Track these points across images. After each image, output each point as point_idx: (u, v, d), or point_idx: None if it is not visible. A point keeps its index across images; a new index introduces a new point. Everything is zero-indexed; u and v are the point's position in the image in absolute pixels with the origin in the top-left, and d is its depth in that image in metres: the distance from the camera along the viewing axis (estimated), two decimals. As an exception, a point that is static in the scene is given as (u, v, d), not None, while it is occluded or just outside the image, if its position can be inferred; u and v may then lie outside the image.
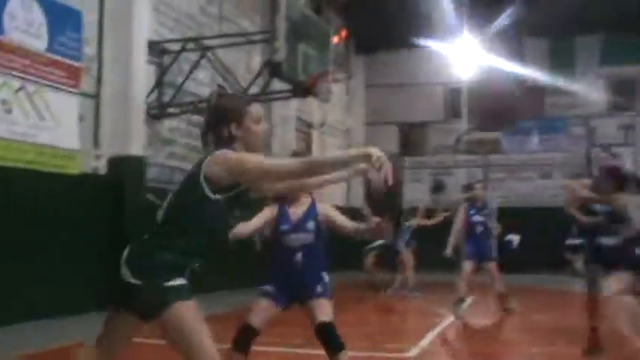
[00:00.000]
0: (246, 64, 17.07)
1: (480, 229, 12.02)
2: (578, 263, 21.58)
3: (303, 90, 13.76)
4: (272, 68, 13.02)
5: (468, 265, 11.78)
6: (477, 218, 12.06)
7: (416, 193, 25.33)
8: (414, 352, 8.77)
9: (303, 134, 21.20)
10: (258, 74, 14.46)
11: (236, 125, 4.02)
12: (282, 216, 5.94)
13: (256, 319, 5.72)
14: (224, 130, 4.02)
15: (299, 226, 5.85)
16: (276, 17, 13.47)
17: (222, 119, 4.02)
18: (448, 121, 26.45)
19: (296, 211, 5.96)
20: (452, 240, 12.18)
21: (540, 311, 12.79)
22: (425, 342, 9.48)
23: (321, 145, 22.73)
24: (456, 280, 11.89)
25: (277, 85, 14.75)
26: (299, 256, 5.82)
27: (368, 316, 12.69)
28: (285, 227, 5.84)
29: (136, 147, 12.44)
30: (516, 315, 12.17)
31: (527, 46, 25.30)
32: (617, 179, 7.62)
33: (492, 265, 11.93)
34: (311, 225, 5.88)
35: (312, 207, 5.97)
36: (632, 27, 23.55)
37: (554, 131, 25.35)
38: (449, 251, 12.14)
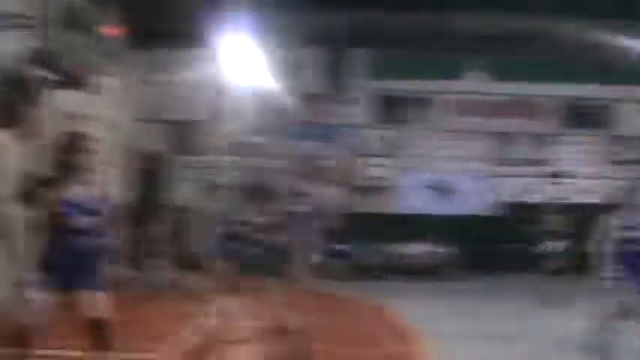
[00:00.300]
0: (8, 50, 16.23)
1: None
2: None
3: (70, 81, 13.28)
4: (37, 56, 12.44)
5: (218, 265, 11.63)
6: None
7: (185, 192, 25.24)
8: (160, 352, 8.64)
9: (70, 127, 20.44)
10: (23, 61, 13.76)
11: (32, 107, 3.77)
12: (65, 196, 5.53)
13: (32, 315, 5.33)
14: (20, 110, 3.74)
15: (84, 208, 5.42)
16: (44, 2, 12.92)
17: (19, 98, 3.75)
18: (220, 122, 26.42)
19: (83, 192, 5.64)
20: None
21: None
22: (172, 342, 9.35)
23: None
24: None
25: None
26: (82, 240, 5.41)
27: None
28: (68, 208, 5.42)
29: None
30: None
31: (302, 55, 25.74)
32: None
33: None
34: (97, 208, 5.47)
35: (101, 190, 5.65)
36: (400, 44, 24.62)
37: (323, 139, 25.99)
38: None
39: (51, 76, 13.41)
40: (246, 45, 23.40)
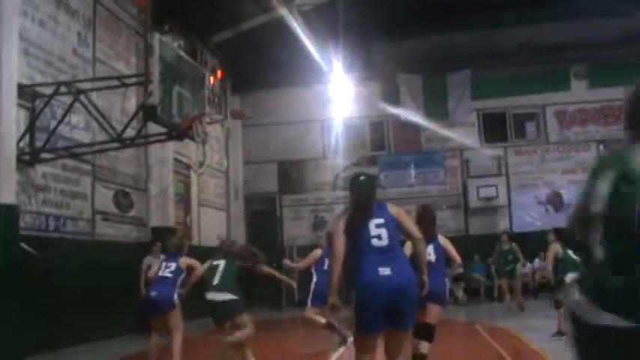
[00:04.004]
0: (121, 107, 16.78)
1: None
2: (460, 292, 22.20)
3: (178, 133, 13.63)
4: (146, 111, 12.81)
5: None
6: None
7: (296, 231, 25.51)
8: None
9: (182, 176, 20.98)
10: (133, 117, 14.22)
11: None
12: None
13: None
14: None
15: None
16: (149, 60, 13.30)
17: None
18: (326, 157, 26.68)
19: None
20: None
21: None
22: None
23: (200, 187, 22.55)
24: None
25: (153, 127, 14.52)
26: None
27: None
28: None
29: (7, 194, 11.96)
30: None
31: (401, 83, 25.81)
32: None
33: None
34: None
35: None
36: (496, 62, 24.60)
37: (431, 164, 25.93)
38: None
39: (162, 128, 13.84)
40: (348, 79, 23.70)
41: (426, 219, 8.58)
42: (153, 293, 10.31)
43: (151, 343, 10.35)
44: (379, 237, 6.03)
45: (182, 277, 10.46)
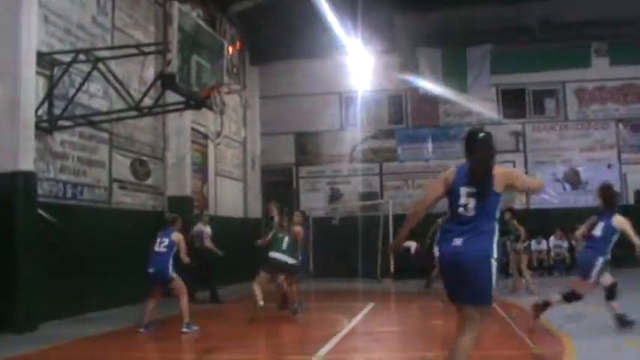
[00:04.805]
0: (139, 75, 16.77)
1: None
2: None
3: (196, 102, 13.63)
4: (165, 80, 12.81)
5: None
6: None
7: (313, 202, 25.54)
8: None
9: (199, 145, 21.01)
10: (151, 86, 14.22)
11: None
12: None
13: None
14: None
15: None
16: (168, 28, 13.27)
17: None
18: (344, 130, 26.64)
19: None
20: None
21: (438, 317, 12.94)
22: (325, 350, 9.43)
23: (218, 157, 22.58)
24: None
25: (171, 96, 14.53)
26: None
27: (269, 328, 12.52)
28: None
29: (25, 162, 11.99)
30: (414, 320, 12.41)
31: (420, 56, 25.65)
32: None
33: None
34: None
35: None
36: (517, 38, 24.41)
37: (448, 139, 25.83)
38: None
39: (180, 97, 13.85)
40: (367, 52, 23.55)
41: (603, 196, 10.07)
42: (150, 270, 11.42)
43: (148, 305, 11.59)
44: (466, 207, 5.67)
45: (175, 250, 11.63)
